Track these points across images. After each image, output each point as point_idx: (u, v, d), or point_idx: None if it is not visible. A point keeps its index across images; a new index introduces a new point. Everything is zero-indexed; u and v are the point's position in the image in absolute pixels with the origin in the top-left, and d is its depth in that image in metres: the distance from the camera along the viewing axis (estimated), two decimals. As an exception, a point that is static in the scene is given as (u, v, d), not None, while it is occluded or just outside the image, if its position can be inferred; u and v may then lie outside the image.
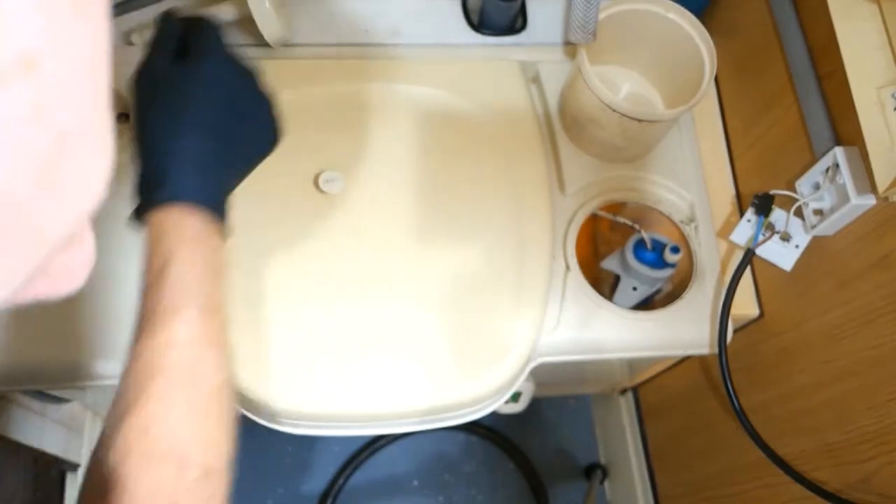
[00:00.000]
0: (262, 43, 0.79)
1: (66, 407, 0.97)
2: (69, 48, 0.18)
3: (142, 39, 0.79)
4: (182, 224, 0.48)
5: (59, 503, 0.98)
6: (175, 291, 0.46)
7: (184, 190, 0.48)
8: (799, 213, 0.72)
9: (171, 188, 0.48)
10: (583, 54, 0.72)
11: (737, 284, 0.74)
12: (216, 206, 0.50)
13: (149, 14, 0.80)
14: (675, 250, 0.76)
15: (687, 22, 0.74)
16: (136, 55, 0.78)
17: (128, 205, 0.49)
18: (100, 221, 0.75)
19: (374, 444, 1.32)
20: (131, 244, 0.71)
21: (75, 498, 0.97)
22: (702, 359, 0.95)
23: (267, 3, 0.73)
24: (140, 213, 0.49)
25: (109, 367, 0.69)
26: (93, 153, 0.20)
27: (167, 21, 0.55)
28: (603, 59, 0.81)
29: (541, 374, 0.80)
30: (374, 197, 0.76)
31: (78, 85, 0.19)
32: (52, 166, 0.18)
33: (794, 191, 0.72)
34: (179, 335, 0.45)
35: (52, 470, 0.95)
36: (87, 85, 0.19)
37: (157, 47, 0.54)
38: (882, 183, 0.60)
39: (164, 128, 0.50)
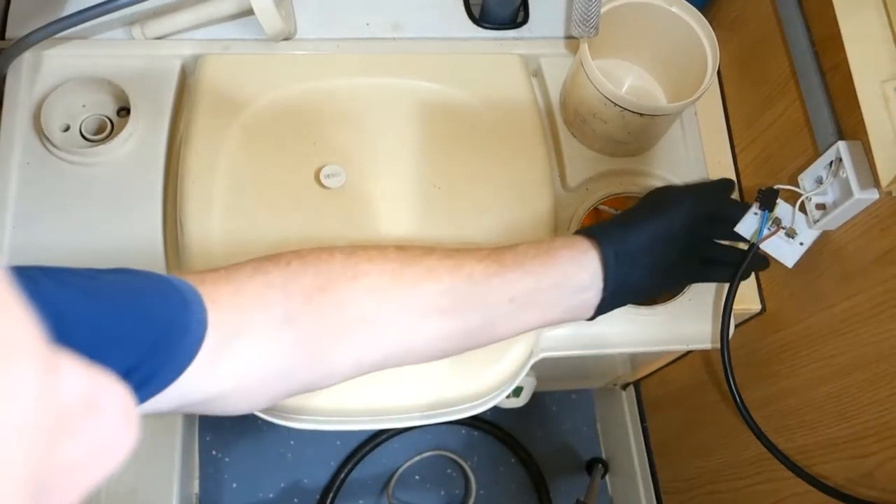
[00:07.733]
0: (262, 37, 0.78)
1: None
2: None
3: (142, 34, 0.79)
4: (578, 246, 0.60)
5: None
6: (521, 256, 0.58)
7: (604, 239, 0.60)
8: (802, 208, 0.72)
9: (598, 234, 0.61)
10: (585, 48, 0.72)
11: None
12: (607, 269, 0.59)
13: (149, 7, 0.80)
14: (678, 245, 0.76)
15: (689, 15, 0.74)
16: (137, 49, 0.78)
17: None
18: (104, 239, 0.73)
19: (376, 439, 1.32)
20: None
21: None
22: (704, 353, 0.95)
23: (268, -3, 0.72)
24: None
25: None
26: None
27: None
28: (605, 52, 0.80)
29: (542, 369, 0.80)
30: (376, 192, 0.75)
31: None
32: None
33: (797, 185, 0.72)
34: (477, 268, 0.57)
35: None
36: None
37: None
38: (886, 177, 0.60)
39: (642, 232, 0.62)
